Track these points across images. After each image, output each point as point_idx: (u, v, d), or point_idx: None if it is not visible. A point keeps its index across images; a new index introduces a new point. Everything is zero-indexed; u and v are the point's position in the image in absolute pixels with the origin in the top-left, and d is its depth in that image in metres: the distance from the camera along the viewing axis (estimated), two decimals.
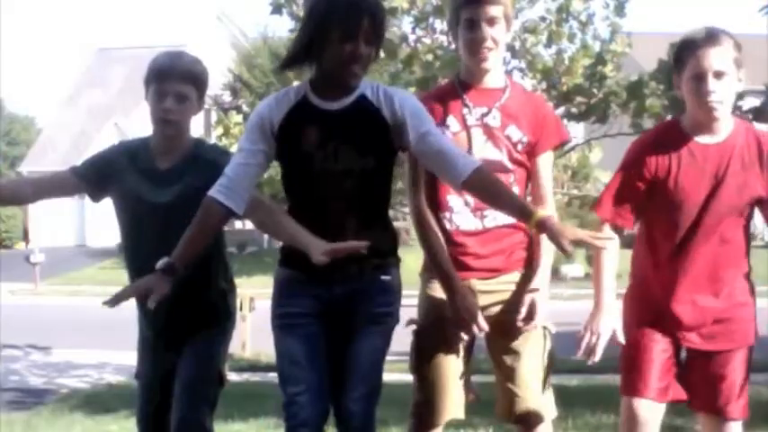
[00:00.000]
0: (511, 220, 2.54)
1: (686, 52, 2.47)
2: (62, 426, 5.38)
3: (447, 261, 2.54)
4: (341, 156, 2.37)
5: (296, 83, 2.88)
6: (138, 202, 2.73)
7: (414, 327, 2.65)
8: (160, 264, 2.33)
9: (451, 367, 2.61)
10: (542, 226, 2.24)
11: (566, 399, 5.39)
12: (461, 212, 2.58)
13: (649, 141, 2.61)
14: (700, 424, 2.68)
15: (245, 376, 8.29)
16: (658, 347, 2.55)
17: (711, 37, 2.45)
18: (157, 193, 2.71)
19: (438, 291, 2.57)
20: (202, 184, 2.43)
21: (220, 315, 2.85)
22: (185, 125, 2.76)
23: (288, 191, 2.49)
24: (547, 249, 2.59)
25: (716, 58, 2.42)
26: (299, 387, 2.37)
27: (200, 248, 2.40)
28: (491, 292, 2.60)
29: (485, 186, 2.35)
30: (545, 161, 2.65)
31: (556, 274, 15.65)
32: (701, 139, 2.51)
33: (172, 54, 2.76)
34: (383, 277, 2.45)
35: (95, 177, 2.79)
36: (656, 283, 2.59)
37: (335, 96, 2.40)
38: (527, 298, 2.55)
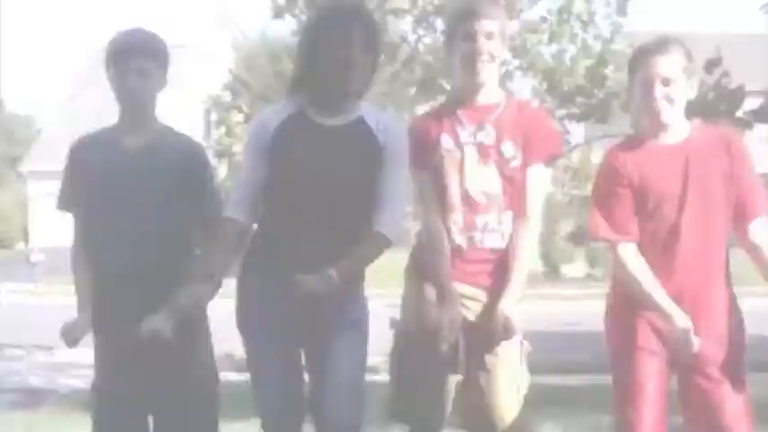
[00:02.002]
0: (501, 243, 2.55)
1: (637, 60, 2.56)
2: (62, 426, 5.36)
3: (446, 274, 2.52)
4: (330, 170, 2.36)
5: None
6: (110, 182, 2.63)
7: (394, 330, 2.64)
8: None
9: (440, 376, 2.59)
10: None
11: (566, 399, 5.41)
12: (450, 228, 2.57)
13: (615, 150, 2.63)
14: None
15: (246, 376, 8.28)
16: (653, 375, 2.54)
17: (660, 45, 2.52)
18: (128, 174, 2.61)
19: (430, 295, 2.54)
20: (170, 172, 2.54)
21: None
22: (151, 102, 2.69)
23: (267, 198, 2.45)
24: (520, 265, 2.55)
25: (664, 65, 2.49)
26: (277, 396, 2.44)
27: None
28: (475, 299, 2.58)
29: (357, 247, 2.37)
30: (533, 174, 2.58)
31: (556, 274, 15.69)
32: (660, 141, 2.55)
33: (127, 31, 2.68)
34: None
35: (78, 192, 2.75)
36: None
37: (332, 112, 2.42)
38: (499, 312, 2.50)
